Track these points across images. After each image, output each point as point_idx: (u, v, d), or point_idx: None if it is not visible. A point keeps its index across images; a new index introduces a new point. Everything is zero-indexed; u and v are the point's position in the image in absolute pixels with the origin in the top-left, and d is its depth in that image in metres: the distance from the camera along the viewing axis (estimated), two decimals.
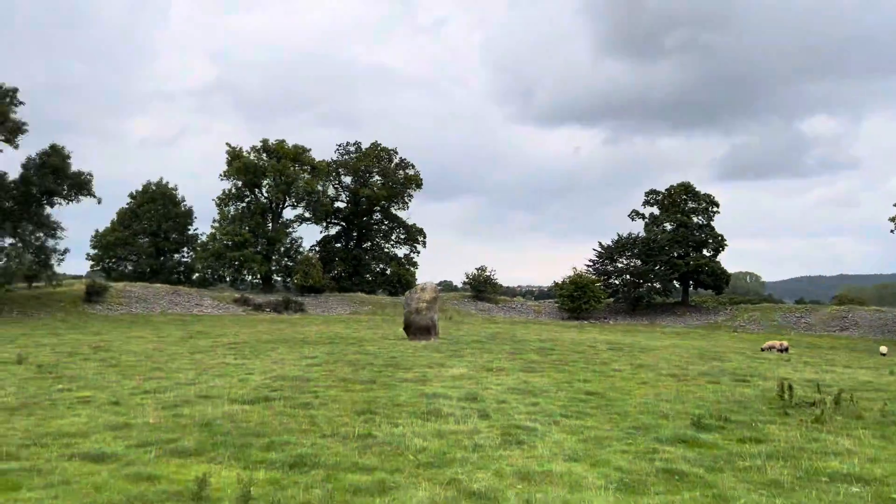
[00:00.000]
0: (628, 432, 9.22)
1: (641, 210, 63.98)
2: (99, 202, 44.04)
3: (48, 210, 42.86)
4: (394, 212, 67.91)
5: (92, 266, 59.90)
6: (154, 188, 63.50)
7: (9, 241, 40.28)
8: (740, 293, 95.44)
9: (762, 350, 27.97)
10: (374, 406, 10.61)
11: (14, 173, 41.31)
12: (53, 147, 41.94)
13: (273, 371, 14.80)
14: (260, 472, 6.82)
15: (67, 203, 42.43)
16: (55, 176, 41.33)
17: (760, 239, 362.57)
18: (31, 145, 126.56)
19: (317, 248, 65.67)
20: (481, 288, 57.97)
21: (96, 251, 59.81)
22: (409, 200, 67.83)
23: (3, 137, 40.27)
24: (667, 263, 55.92)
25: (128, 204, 62.95)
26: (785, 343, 28.40)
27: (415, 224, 68.04)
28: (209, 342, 24.16)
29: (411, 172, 66.96)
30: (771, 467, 7.65)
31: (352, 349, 20.98)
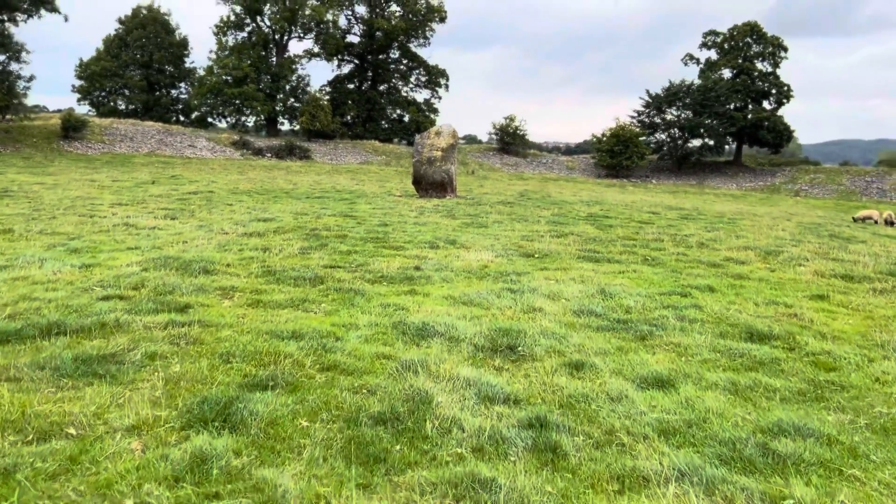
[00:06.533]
0: None
1: (696, 54, 55.93)
2: (66, 20, 37.69)
3: (11, 29, 36.78)
4: (413, 49, 60.13)
5: (78, 100, 54.19)
6: (145, 13, 56.22)
7: None
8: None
9: (855, 221, 22.48)
10: (273, 373, 4.49)
11: None
12: None
13: (171, 248, 9.04)
14: None
15: (27, 19, 36.11)
16: None
17: (796, 100, 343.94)
18: None
19: (327, 89, 58.93)
20: (509, 140, 51.72)
21: (82, 82, 53.80)
22: (431, 36, 59.87)
23: None
24: (722, 116, 48.82)
25: (116, 30, 56.05)
26: (893, 215, 22.52)
27: (437, 65, 60.50)
28: (164, 189, 19.11)
29: (434, 2, 58.43)
30: None
31: (335, 209, 15.78)
